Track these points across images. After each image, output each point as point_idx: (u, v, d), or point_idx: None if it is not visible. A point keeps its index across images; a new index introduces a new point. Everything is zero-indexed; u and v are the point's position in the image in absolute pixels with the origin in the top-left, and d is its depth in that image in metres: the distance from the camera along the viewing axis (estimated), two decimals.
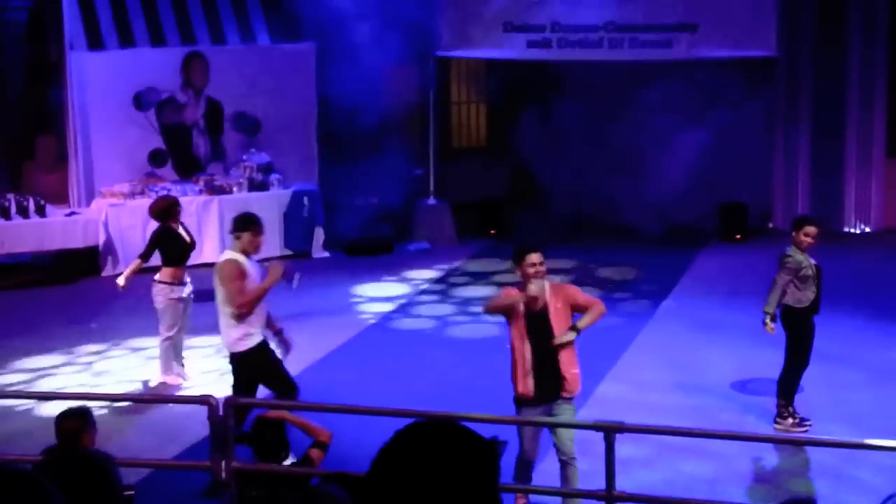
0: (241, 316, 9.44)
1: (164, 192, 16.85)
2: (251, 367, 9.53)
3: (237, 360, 9.56)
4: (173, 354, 11.77)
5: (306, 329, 13.88)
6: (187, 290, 11.87)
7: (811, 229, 10.22)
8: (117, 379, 12.13)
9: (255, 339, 9.52)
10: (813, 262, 10.22)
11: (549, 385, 8.57)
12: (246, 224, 9.77)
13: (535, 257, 8.46)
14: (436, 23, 17.90)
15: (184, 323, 11.84)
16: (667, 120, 18.00)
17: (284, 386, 9.57)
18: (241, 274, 9.51)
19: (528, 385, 8.55)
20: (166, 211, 12.01)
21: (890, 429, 10.06)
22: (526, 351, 8.57)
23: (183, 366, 11.95)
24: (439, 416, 7.75)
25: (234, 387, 9.58)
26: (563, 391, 8.60)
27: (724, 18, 16.93)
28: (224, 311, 9.52)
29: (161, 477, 9.17)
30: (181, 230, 12.03)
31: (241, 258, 9.62)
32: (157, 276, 11.79)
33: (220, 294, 9.61)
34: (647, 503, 8.19)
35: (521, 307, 8.51)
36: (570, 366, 8.66)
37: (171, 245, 11.82)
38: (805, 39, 18.13)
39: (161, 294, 11.67)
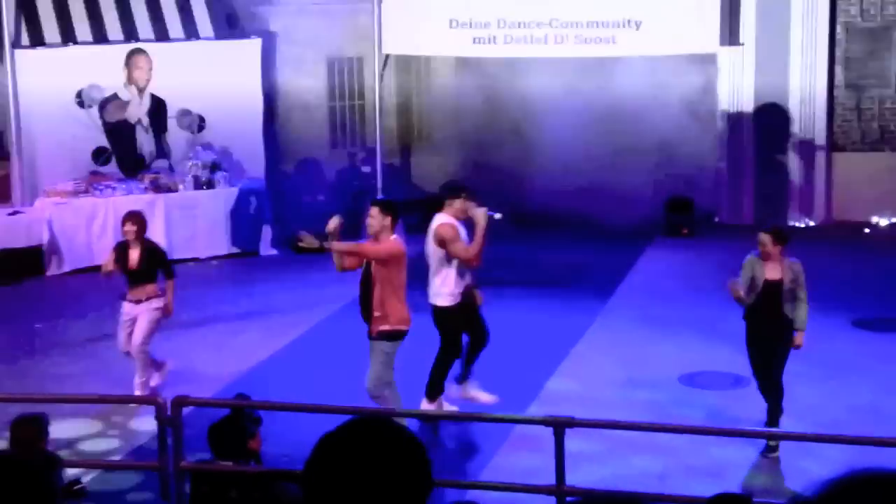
0: (468, 268, 10.48)
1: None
2: (447, 321, 10.56)
3: (443, 313, 10.53)
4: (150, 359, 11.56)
5: (254, 328, 13.87)
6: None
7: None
8: (69, 381, 12.00)
9: (448, 301, 10.49)
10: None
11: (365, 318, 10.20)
12: (457, 191, 10.61)
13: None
14: (382, 19, 17.87)
15: None
16: (612, 116, 18.12)
17: (480, 333, 10.79)
18: (458, 234, 10.36)
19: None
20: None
21: (835, 421, 10.20)
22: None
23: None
24: (374, 413, 7.78)
25: (443, 338, 10.61)
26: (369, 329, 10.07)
27: (667, 15, 17.00)
28: (440, 269, 10.46)
29: (112, 478, 9.14)
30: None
31: (454, 221, 10.40)
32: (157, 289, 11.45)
33: (438, 254, 10.47)
34: (597, 498, 8.23)
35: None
36: (377, 306, 10.02)
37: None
38: (746, 37, 18.26)
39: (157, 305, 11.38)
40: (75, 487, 8.56)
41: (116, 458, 9.96)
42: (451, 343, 10.62)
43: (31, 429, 7.40)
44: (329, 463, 2.36)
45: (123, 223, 11.35)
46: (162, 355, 12.74)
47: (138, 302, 11.23)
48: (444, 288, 10.47)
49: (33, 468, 3.63)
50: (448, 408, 10.44)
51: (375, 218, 10.14)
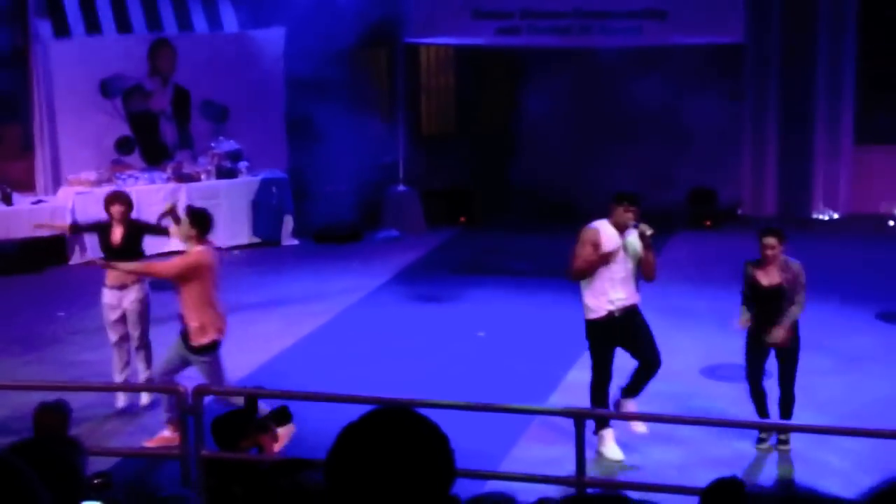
0: (580, 281, 9.71)
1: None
2: (589, 336, 9.79)
3: (586, 326, 9.82)
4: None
5: (275, 317, 13.91)
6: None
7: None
8: (91, 369, 12.04)
9: (595, 314, 9.67)
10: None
11: None
12: (618, 198, 9.73)
13: None
14: (405, 9, 17.88)
15: None
16: (635, 107, 18.07)
17: (645, 355, 9.76)
18: (590, 241, 9.57)
19: None
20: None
21: (857, 414, 10.16)
22: None
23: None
24: (396, 404, 7.80)
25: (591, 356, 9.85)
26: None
27: (692, 5, 16.98)
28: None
29: (133, 465, 9.19)
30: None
31: (601, 226, 9.63)
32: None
33: None
34: (617, 488, 8.25)
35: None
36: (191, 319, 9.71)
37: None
38: (773, 27, 18.19)
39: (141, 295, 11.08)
40: (96, 481, 8.59)
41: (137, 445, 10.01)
42: (595, 362, 9.78)
43: (54, 416, 7.48)
44: (353, 453, 2.37)
45: (111, 204, 11.03)
46: None
47: (122, 288, 10.88)
48: (586, 299, 9.71)
49: (58, 454, 3.67)
50: (639, 429, 9.69)
51: (183, 227, 10.00)
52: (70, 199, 16.36)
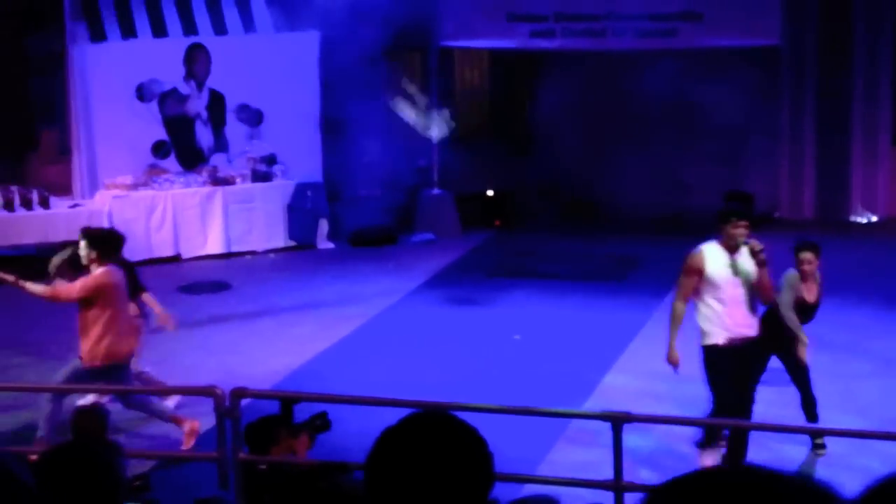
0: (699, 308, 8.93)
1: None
2: (705, 362, 9.03)
3: (701, 353, 9.07)
4: None
5: (311, 320, 13.93)
6: None
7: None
8: None
9: (710, 339, 8.91)
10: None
11: None
12: (724, 215, 8.98)
13: None
14: (439, 12, 17.89)
15: None
16: (672, 109, 18.03)
17: (724, 400, 8.85)
18: (695, 269, 8.90)
19: None
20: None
21: (894, 418, 10.08)
22: None
23: None
24: (435, 408, 7.79)
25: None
26: None
27: (728, 7, 16.93)
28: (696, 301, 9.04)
29: (170, 467, 9.22)
30: None
31: (707, 250, 8.94)
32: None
33: None
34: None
35: None
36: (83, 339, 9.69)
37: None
38: (810, 29, 18.11)
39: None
40: (136, 483, 8.62)
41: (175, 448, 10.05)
42: (714, 393, 8.97)
43: (92, 419, 7.53)
44: (391, 457, 2.38)
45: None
46: (219, 349, 12.85)
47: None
48: (701, 322, 8.98)
49: (98, 457, 3.69)
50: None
51: (83, 251, 9.81)
52: (107, 203, 16.44)
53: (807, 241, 9.82)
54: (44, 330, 12.73)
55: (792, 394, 9.89)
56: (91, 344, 9.71)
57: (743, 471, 1.74)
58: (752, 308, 8.89)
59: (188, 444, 9.90)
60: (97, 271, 9.74)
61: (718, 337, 8.83)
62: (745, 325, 8.85)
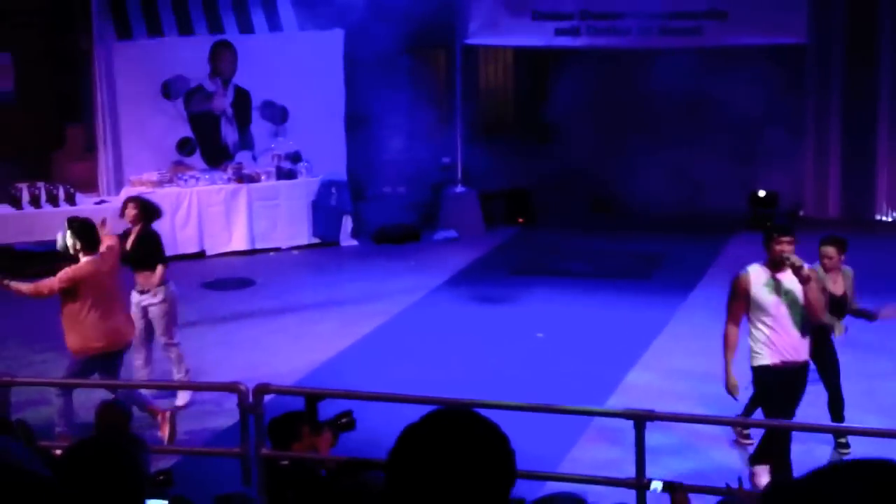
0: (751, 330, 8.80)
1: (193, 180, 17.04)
2: (756, 383, 9.02)
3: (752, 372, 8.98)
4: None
5: (335, 317, 13.98)
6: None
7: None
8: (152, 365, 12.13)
9: (760, 360, 8.78)
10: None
11: None
12: (768, 231, 8.80)
13: None
14: (464, 10, 17.90)
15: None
16: (697, 108, 18.01)
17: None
18: (741, 292, 8.77)
19: None
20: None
21: None
22: None
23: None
24: (457, 405, 7.80)
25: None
26: None
27: (754, 5, 16.86)
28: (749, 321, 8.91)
29: (192, 463, 9.27)
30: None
31: (753, 271, 8.77)
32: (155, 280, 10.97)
33: None
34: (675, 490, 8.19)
35: None
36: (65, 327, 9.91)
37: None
38: (836, 28, 18.03)
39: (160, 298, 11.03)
40: (159, 478, 8.64)
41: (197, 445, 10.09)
42: (765, 414, 8.90)
43: (116, 413, 7.58)
44: (413, 454, 2.38)
45: (124, 207, 11.15)
46: (243, 345, 12.91)
47: (141, 292, 10.98)
48: (752, 343, 8.83)
49: (121, 452, 3.71)
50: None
51: (69, 241, 9.88)
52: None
53: (830, 236, 9.82)
54: None
55: (819, 392, 9.87)
56: (78, 335, 9.81)
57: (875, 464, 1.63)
58: (803, 330, 8.69)
59: (164, 431, 9.94)
60: (81, 262, 9.81)
61: (767, 358, 8.69)
62: (793, 348, 8.67)
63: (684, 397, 10.83)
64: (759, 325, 8.69)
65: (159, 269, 10.95)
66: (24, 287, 9.97)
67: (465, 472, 2.35)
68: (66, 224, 10.08)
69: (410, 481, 2.36)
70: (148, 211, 11.03)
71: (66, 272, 9.79)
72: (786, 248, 8.49)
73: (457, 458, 2.36)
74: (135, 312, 10.90)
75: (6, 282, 9.95)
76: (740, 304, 8.74)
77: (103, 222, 10.44)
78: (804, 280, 8.47)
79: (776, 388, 8.67)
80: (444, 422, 2.42)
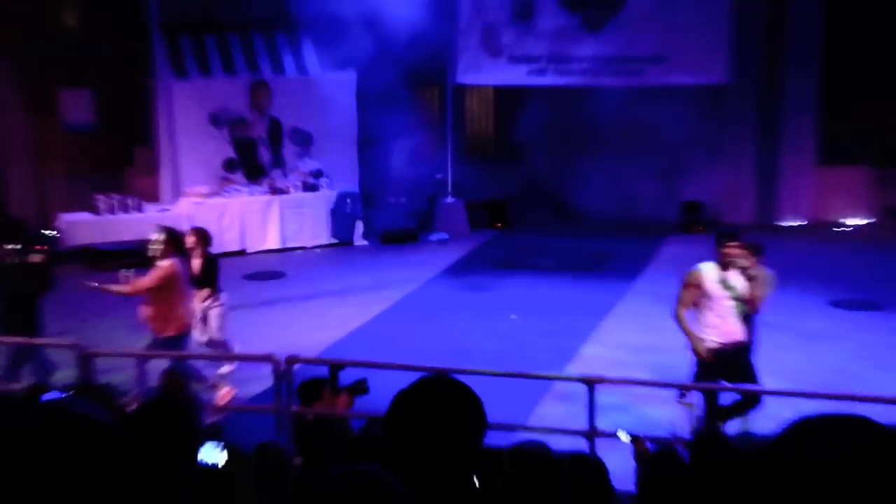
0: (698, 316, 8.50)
1: (235, 191, 17.05)
2: (697, 365, 8.65)
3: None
4: None
5: (350, 302, 14.01)
6: None
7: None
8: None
9: (707, 342, 8.55)
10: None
11: None
12: (721, 237, 8.58)
13: None
14: (453, 55, 17.93)
15: None
16: (635, 132, 18.05)
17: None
18: (693, 284, 8.50)
19: None
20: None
21: (812, 380, 10.14)
22: None
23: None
24: (440, 372, 7.88)
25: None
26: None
27: (687, 52, 16.89)
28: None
29: (237, 418, 9.32)
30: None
31: (705, 268, 8.52)
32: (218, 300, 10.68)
33: None
34: (634, 440, 8.25)
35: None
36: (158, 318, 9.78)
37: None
38: (751, 70, 18.09)
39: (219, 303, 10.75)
40: (211, 430, 8.63)
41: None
42: (706, 401, 8.54)
43: (177, 379, 7.64)
44: (403, 412, 2.39)
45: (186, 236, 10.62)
46: (276, 324, 12.94)
47: (201, 301, 10.75)
48: (700, 327, 8.62)
49: (181, 409, 3.79)
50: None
51: (159, 242, 9.79)
52: (187, 208, 16.55)
53: (749, 242, 9.76)
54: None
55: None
56: (160, 320, 9.82)
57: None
58: (741, 318, 8.58)
59: (222, 402, 9.91)
60: (164, 263, 9.78)
61: (713, 341, 8.57)
62: (734, 332, 8.57)
63: (628, 365, 10.88)
64: (708, 314, 8.55)
65: (209, 291, 10.59)
66: (120, 288, 9.88)
67: (445, 425, 2.36)
68: (158, 230, 10.01)
69: (402, 434, 2.36)
70: (205, 239, 10.68)
71: (156, 273, 9.77)
72: (733, 251, 8.37)
73: (437, 414, 2.36)
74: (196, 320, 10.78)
75: (102, 286, 9.89)
76: (691, 294, 8.54)
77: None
78: (750, 278, 8.41)
79: (717, 363, 8.53)
80: (427, 387, 2.43)
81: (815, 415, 1.61)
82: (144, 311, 9.94)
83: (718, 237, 8.57)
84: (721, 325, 8.52)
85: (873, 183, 18.32)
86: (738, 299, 8.49)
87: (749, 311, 8.59)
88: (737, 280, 8.47)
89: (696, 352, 8.57)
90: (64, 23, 17.30)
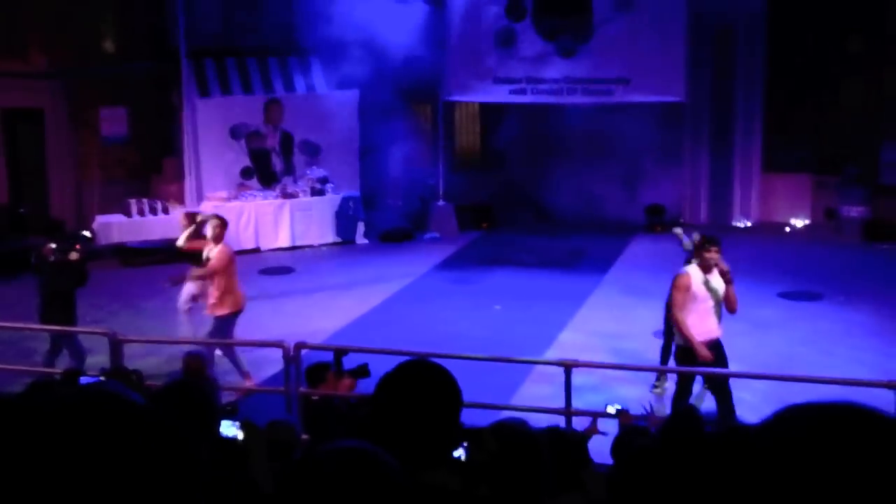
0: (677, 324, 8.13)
1: (251, 197, 16.91)
2: (678, 360, 8.33)
3: (676, 350, 8.42)
4: None
5: (352, 294, 13.92)
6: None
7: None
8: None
9: (683, 342, 8.22)
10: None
11: None
12: (704, 242, 8.18)
13: None
14: (445, 76, 17.87)
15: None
16: (603, 142, 18.03)
17: (685, 385, 8.06)
18: (683, 287, 8.13)
19: None
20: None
21: (763, 364, 10.06)
22: None
23: None
24: (423, 357, 7.77)
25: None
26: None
27: (648, 74, 16.86)
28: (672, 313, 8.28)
29: (251, 398, 9.20)
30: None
31: (691, 271, 8.18)
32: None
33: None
34: (593, 417, 8.17)
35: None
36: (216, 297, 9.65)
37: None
38: (704, 89, 18.06)
39: None
40: (228, 408, 8.53)
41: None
42: (679, 382, 8.19)
43: (198, 361, 7.49)
44: (387, 392, 2.35)
45: (211, 219, 10.17)
46: (286, 314, 12.83)
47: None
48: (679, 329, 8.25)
49: (200, 390, 3.68)
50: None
51: (216, 227, 9.70)
52: (209, 211, 16.39)
53: (709, 237, 9.60)
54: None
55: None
56: (226, 303, 9.73)
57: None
58: (719, 316, 8.28)
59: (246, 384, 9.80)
60: (222, 248, 9.73)
61: (696, 336, 8.18)
62: (714, 329, 8.26)
63: (600, 350, 10.81)
64: (692, 313, 8.16)
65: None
66: (200, 272, 9.80)
67: (423, 404, 2.32)
68: (212, 219, 9.89)
69: (387, 412, 2.33)
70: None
71: (219, 259, 9.68)
72: (714, 255, 8.04)
73: (417, 394, 2.33)
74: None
75: (188, 276, 9.90)
76: (686, 296, 8.08)
77: (194, 220, 10.39)
78: (729, 281, 8.10)
79: (694, 363, 8.13)
80: (408, 370, 2.39)
81: (802, 403, 1.45)
82: (209, 292, 9.76)
83: (703, 242, 8.17)
84: (700, 325, 8.15)
85: (813, 188, 18.26)
86: (719, 300, 8.20)
87: (729, 310, 8.23)
88: (718, 282, 8.17)
89: (699, 355, 8.08)
90: (104, 49, 17.22)
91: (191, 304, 10.80)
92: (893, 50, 17.02)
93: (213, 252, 9.80)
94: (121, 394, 1.39)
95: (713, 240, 8.22)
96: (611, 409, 6.54)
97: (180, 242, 10.23)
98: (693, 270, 8.20)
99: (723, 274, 8.13)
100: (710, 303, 8.18)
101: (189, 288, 10.81)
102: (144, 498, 1.28)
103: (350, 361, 7.78)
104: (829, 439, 1.15)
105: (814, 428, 1.19)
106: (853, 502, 1.12)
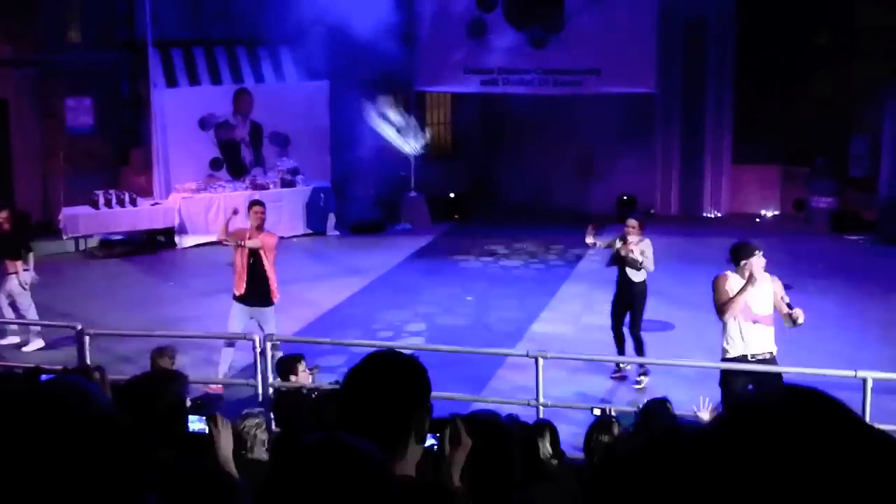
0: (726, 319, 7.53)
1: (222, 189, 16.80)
2: (726, 373, 7.62)
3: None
4: None
5: (324, 286, 13.86)
6: None
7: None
8: (195, 322, 11.97)
9: (729, 353, 7.63)
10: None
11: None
12: (739, 250, 7.58)
13: None
14: (416, 66, 17.83)
15: None
16: (581, 138, 18.05)
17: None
18: (723, 287, 7.51)
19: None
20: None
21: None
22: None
23: None
24: (390, 349, 7.77)
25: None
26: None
27: (619, 64, 16.93)
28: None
29: (224, 391, 9.14)
30: None
31: (730, 275, 7.57)
32: None
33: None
34: (563, 407, 8.21)
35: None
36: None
37: None
38: (675, 81, 18.14)
39: None
40: (198, 402, 8.43)
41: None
42: (723, 394, 7.49)
43: (166, 356, 7.46)
44: (354, 384, 2.37)
45: (252, 206, 10.04)
46: None
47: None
48: (724, 342, 7.68)
49: (166, 384, 3.65)
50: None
51: (262, 214, 9.64)
52: (177, 202, 16.32)
53: (637, 213, 9.73)
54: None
55: (664, 337, 9.90)
56: (273, 287, 9.60)
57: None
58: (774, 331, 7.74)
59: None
60: (270, 233, 9.67)
61: (733, 352, 7.59)
62: (761, 345, 7.66)
63: (571, 341, 10.83)
64: (732, 324, 7.57)
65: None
66: (253, 243, 9.56)
67: (391, 394, 2.34)
68: (254, 206, 9.71)
69: (354, 402, 2.35)
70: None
71: (275, 239, 9.66)
72: (757, 261, 7.42)
73: (384, 382, 2.35)
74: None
75: (242, 241, 9.57)
76: (725, 295, 7.49)
77: (235, 211, 10.28)
78: (751, 283, 7.35)
79: (739, 376, 7.52)
80: (374, 361, 2.41)
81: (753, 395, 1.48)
82: (269, 278, 9.59)
83: (738, 249, 7.56)
84: (748, 335, 7.60)
85: (782, 179, 18.41)
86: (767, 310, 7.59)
87: (786, 323, 7.68)
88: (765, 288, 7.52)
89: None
90: (69, 38, 17.01)
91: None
92: (862, 43, 17.17)
93: (256, 239, 9.49)
94: (77, 391, 1.37)
95: (750, 247, 7.61)
96: (597, 411, 6.60)
97: (220, 236, 10.03)
98: (732, 275, 7.58)
99: (749, 279, 7.40)
100: (754, 312, 7.55)
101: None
102: (85, 495, 1.28)
103: (320, 353, 7.77)
104: (777, 432, 1.15)
105: (765, 419, 1.18)
106: (801, 492, 1.12)
